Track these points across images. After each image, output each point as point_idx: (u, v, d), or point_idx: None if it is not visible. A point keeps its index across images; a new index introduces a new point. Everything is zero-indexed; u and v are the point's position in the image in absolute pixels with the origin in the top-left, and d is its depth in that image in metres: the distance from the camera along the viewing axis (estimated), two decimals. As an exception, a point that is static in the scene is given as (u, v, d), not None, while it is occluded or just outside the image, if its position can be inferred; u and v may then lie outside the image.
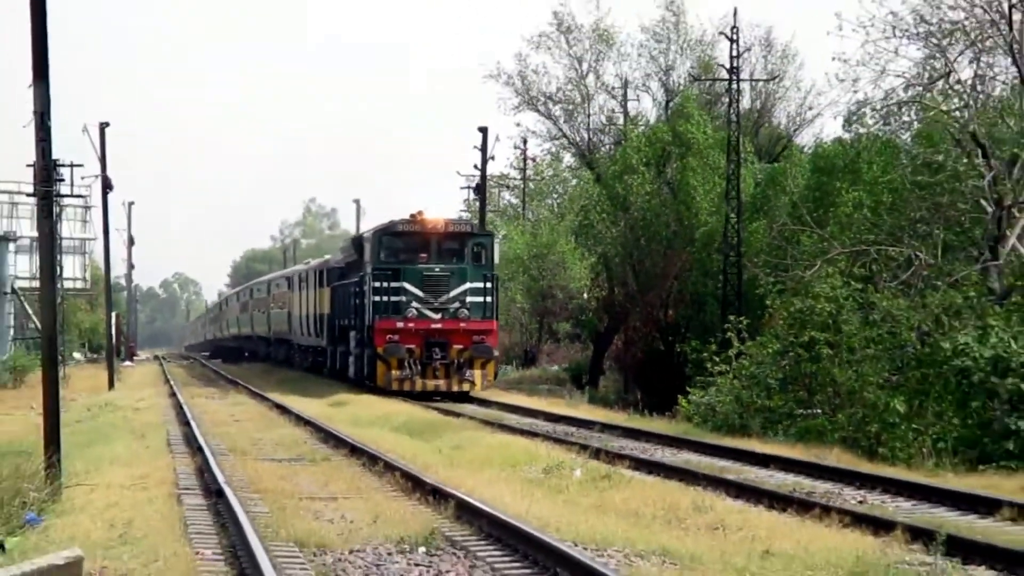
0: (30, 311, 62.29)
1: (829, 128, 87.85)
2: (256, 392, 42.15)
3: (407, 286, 38.47)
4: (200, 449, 22.42)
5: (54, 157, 19.36)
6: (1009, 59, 35.17)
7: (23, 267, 63.84)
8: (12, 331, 63.76)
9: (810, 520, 15.42)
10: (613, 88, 63.64)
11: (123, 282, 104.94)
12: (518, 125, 79.07)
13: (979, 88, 37.74)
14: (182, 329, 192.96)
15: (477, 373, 38.45)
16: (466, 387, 38.48)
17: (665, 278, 55.36)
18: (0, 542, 13.60)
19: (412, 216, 39.86)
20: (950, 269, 34.62)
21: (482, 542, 14.00)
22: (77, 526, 14.68)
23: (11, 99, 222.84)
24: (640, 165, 56.05)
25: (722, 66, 54.01)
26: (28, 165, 23.84)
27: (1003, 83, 38.57)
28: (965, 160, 36.27)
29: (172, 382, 51.94)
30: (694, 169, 54.94)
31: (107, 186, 54.66)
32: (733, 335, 33.46)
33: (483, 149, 58.46)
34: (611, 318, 59.30)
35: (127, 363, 78.24)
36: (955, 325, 28.60)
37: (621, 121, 63.42)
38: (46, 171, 18.94)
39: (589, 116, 63.44)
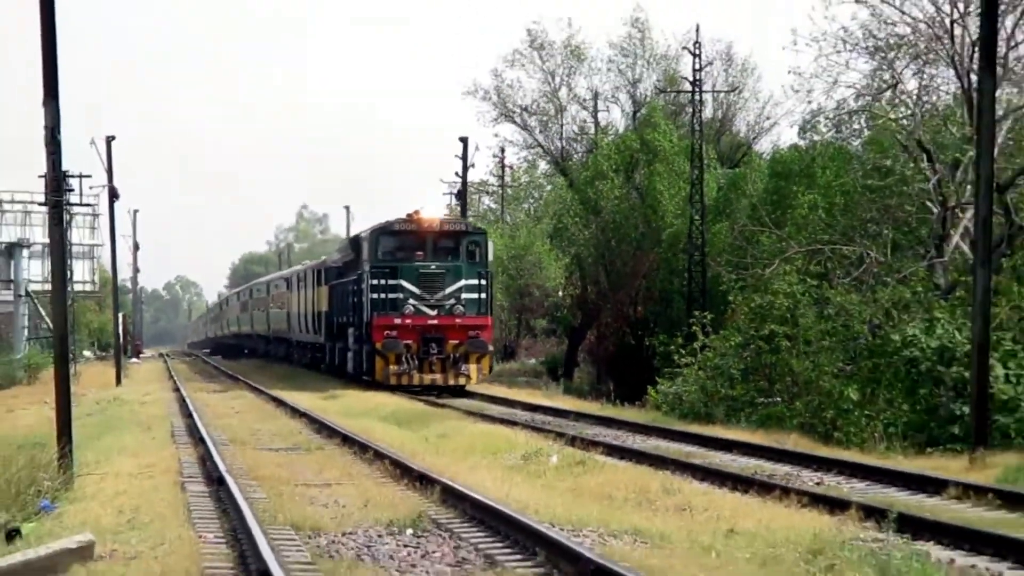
0: (43, 312, 62.02)
1: (786, 136, 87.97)
2: (255, 386, 41.81)
3: (404, 283, 37.47)
4: (202, 440, 22.32)
5: (64, 168, 19.29)
6: (951, 70, 35.31)
7: (36, 271, 63.51)
8: (26, 331, 63.46)
9: (771, 501, 15.40)
10: (584, 100, 63.73)
11: (129, 284, 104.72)
12: (496, 136, 79.42)
13: (924, 98, 37.87)
14: (184, 328, 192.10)
15: (473, 367, 37.31)
16: (462, 381, 37.38)
17: (634, 277, 55.41)
18: (17, 527, 13.59)
19: (408, 215, 38.72)
20: (899, 266, 34.81)
21: (466, 524, 13.98)
22: (88, 512, 14.62)
23: (20, 115, 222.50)
24: (610, 171, 56.18)
25: (686, 79, 54.25)
26: (40, 176, 23.68)
27: (946, 93, 38.74)
28: (912, 165, 36.44)
29: (176, 378, 51.72)
30: (661, 175, 55.10)
31: (113, 196, 54.53)
32: (698, 329, 33.56)
33: (464, 158, 58.68)
34: (584, 314, 59.31)
35: (133, 360, 77.97)
36: (904, 318, 28.74)
37: (592, 131, 63.40)
38: (56, 182, 18.87)
39: (562, 126, 63.49)
